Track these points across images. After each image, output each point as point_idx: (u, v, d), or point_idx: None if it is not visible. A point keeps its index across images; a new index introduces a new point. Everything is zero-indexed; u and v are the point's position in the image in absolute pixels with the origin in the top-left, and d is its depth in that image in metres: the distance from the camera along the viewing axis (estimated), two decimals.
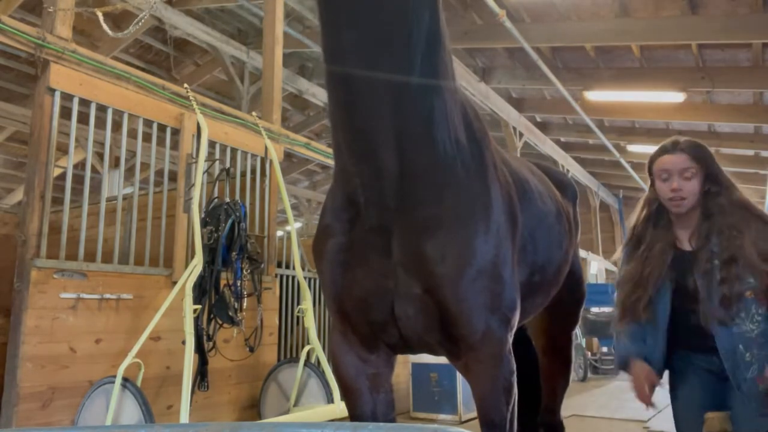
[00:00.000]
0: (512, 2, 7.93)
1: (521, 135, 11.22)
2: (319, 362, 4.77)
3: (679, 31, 7.86)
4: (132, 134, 4.61)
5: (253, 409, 4.87)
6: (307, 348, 4.76)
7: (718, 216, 2.19)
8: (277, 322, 5.29)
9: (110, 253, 4.13)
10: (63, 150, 5.05)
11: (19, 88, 9.79)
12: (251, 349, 4.58)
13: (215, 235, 4.33)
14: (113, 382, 3.57)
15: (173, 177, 5.60)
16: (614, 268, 17.66)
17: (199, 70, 10.35)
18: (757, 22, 7.27)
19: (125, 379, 3.60)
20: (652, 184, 2.35)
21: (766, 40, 7.76)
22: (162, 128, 4.62)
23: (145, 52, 9.77)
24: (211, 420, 4.49)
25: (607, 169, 16.16)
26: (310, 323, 4.74)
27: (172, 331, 4.13)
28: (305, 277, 5.05)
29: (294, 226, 5.25)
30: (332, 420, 4.17)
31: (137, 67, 6.67)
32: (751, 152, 12.59)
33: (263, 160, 5.39)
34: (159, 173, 9.42)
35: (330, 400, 4.48)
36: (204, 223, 4.38)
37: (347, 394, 2.08)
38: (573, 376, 5.53)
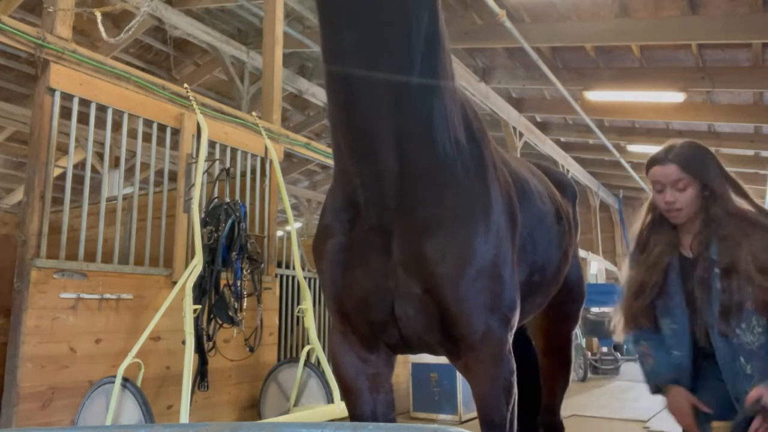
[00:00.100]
0: (512, 2, 7.93)
1: (521, 135, 11.22)
2: (319, 362, 4.77)
3: (679, 31, 7.86)
4: (132, 134, 4.61)
5: (253, 409, 4.87)
6: (307, 348, 4.76)
7: (716, 225, 2.12)
8: (277, 322, 5.29)
9: (110, 253, 4.13)
10: (63, 150, 5.05)
11: (19, 88, 9.79)
12: (251, 349, 4.58)
13: (215, 235, 4.33)
14: (113, 382, 3.57)
15: (173, 177, 5.59)
16: (614, 268, 17.74)
17: (199, 70, 10.35)
18: (757, 22, 7.27)
19: (125, 379, 3.60)
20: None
21: (766, 40, 7.76)
22: (162, 128, 4.62)
23: (145, 52, 9.77)
24: (211, 420, 4.49)
25: (607, 169, 16.16)
26: (310, 323, 4.74)
27: (172, 331, 4.13)
28: (305, 277, 5.05)
29: (294, 226, 5.25)
30: (332, 420, 4.18)
31: (137, 67, 6.67)
32: (751, 152, 12.59)
33: (263, 160, 5.39)
34: (159, 173, 9.42)
35: (330, 400, 4.48)
36: (204, 223, 4.38)
37: (347, 394, 2.08)
38: (573, 376, 5.54)
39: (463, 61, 9.75)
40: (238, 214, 4.43)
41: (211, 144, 4.84)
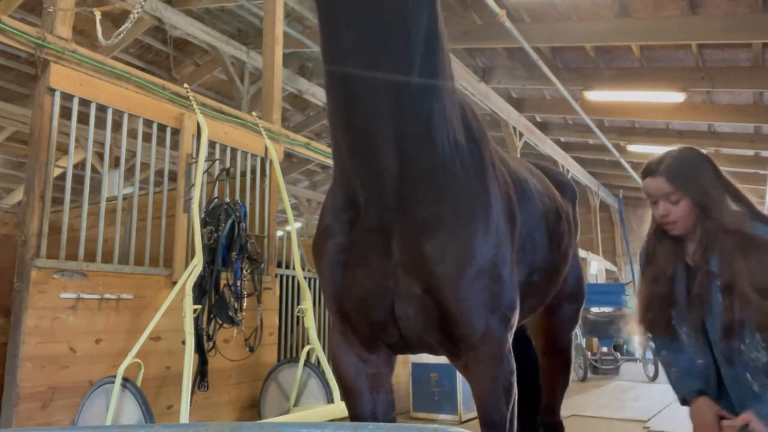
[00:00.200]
0: (512, 2, 7.93)
1: (521, 135, 11.22)
2: (319, 362, 4.77)
3: (679, 31, 7.86)
4: (132, 134, 4.61)
5: (253, 409, 4.87)
6: (307, 348, 4.76)
7: (713, 239, 2.05)
8: (277, 322, 5.29)
9: (110, 253, 4.13)
10: (63, 150, 5.05)
11: (19, 88, 9.80)
12: (251, 349, 4.58)
13: (215, 235, 4.34)
14: (113, 382, 3.57)
15: (173, 177, 5.60)
16: (614, 268, 17.74)
17: (199, 70, 10.35)
18: (757, 22, 7.27)
19: (125, 379, 3.60)
20: None
21: (766, 40, 7.76)
22: (162, 128, 4.62)
23: (145, 52, 9.78)
24: (211, 420, 4.49)
25: (607, 169, 16.17)
26: (310, 323, 4.74)
27: (172, 331, 4.13)
28: (305, 277, 5.05)
29: (294, 226, 5.25)
30: (332, 420, 4.18)
31: (137, 67, 6.67)
32: (751, 152, 12.59)
33: (263, 160, 5.39)
34: (159, 173, 9.43)
35: (330, 400, 4.49)
36: (204, 223, 4.38)
37: (347, 394, 2.08)
38: (573, 376, 5.54)
39: (463, 61, 9.75)
40: (238, 214, 4.43)
41: (211, 144, 4.84)
